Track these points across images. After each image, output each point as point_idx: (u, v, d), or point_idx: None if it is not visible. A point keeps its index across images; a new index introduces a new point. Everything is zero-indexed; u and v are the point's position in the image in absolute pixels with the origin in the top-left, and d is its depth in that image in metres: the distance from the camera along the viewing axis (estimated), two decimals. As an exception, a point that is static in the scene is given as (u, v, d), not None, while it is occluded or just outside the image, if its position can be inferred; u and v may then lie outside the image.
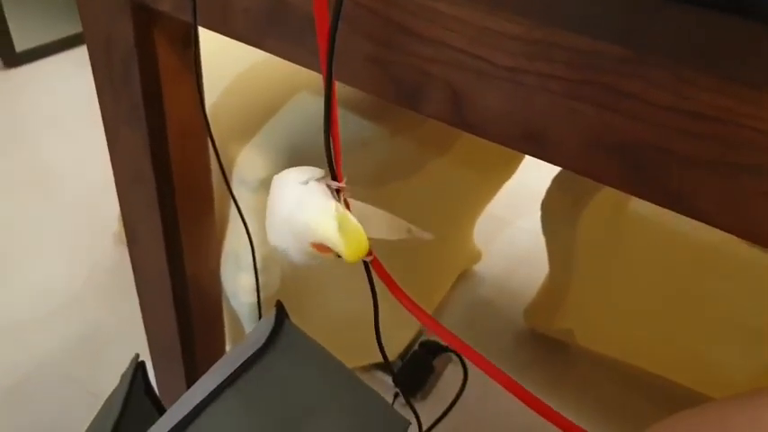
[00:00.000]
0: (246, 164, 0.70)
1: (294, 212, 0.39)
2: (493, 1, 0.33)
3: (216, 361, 0.48)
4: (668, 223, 0.88)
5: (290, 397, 0.44)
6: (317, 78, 0.39)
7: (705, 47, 0.28)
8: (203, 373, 0.46)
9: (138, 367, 0.52)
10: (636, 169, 0.32)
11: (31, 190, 1.46)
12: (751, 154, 0.28)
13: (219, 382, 0.43)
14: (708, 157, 0.30)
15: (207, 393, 0.42)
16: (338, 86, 0.38)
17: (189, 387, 0.45)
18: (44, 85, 1.82)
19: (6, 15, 1.79)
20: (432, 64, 0.37)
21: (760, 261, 0.84)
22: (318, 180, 0.40)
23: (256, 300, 0.69)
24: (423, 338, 0.94)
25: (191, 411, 0.41)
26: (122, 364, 0.53)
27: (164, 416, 0.43)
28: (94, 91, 0.60)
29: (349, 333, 0.83)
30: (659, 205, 0.32)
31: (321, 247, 0.38)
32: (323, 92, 0.37)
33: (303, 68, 0.44)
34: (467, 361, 0.42)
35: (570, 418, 0.37)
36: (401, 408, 0.49)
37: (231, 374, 0.43)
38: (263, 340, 0.46)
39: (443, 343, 0.43)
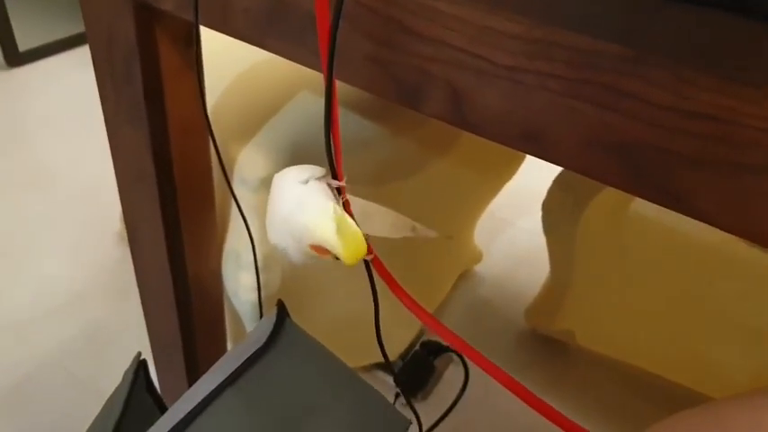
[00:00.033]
0: (247, 163, 0.70)
1: (294, 213, 0.39)
2: (493, 0, 0.33)
3: (217, 359, 0.48)
4: (669, 223, 0.88)
5: (291, 396, 0.44)
6: (317, 78, 0.39)
7: (705, 47, 0.28)
8: (205, 371, 0.46)
9: (140, 366, 0.52)
10: (636, 169, 0.32)
11: (34, 188, 1.46)
12: (751, 154, 0.28)
13: (221, 380, 0.43)
14: (708, 157, 0.30)
15: (208, 392, 0.42)
16: (339, 86, 0.38)
17: (190, 385, 0.45)
18: (47, 85, 1.83)
19: (9, 15, 1.79)
20: (432, 63, 0.37)
21: (760, 261, 0.84)
22: (319, 179, 0.40)
23: (257, 298, 0.69)
24: (424, 338, 0.94)
25: (192, 409, 0.41)
26: (124, 363, 0.53)
27: (165, 414, 0.43)
28: (97, 90, 0.60)
29: (350, 332, 0.83)
30: (659, 205, 0.32)
31: (319, 249, 0.38)
32: (324, 91, 0.37)
33: (304, 68, 0.44)
34: (468, 361, 0.42)
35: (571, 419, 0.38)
36: (402, 408, 0.49)
37: (232, 373, 0.43)
38: (264, 339, 0.46)
39: (444, 343, 0.43)
